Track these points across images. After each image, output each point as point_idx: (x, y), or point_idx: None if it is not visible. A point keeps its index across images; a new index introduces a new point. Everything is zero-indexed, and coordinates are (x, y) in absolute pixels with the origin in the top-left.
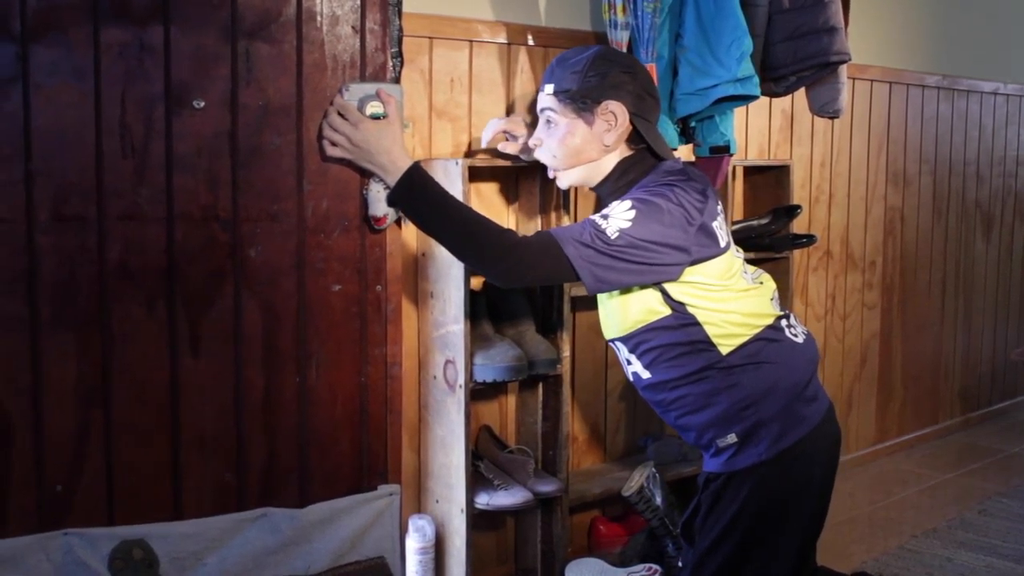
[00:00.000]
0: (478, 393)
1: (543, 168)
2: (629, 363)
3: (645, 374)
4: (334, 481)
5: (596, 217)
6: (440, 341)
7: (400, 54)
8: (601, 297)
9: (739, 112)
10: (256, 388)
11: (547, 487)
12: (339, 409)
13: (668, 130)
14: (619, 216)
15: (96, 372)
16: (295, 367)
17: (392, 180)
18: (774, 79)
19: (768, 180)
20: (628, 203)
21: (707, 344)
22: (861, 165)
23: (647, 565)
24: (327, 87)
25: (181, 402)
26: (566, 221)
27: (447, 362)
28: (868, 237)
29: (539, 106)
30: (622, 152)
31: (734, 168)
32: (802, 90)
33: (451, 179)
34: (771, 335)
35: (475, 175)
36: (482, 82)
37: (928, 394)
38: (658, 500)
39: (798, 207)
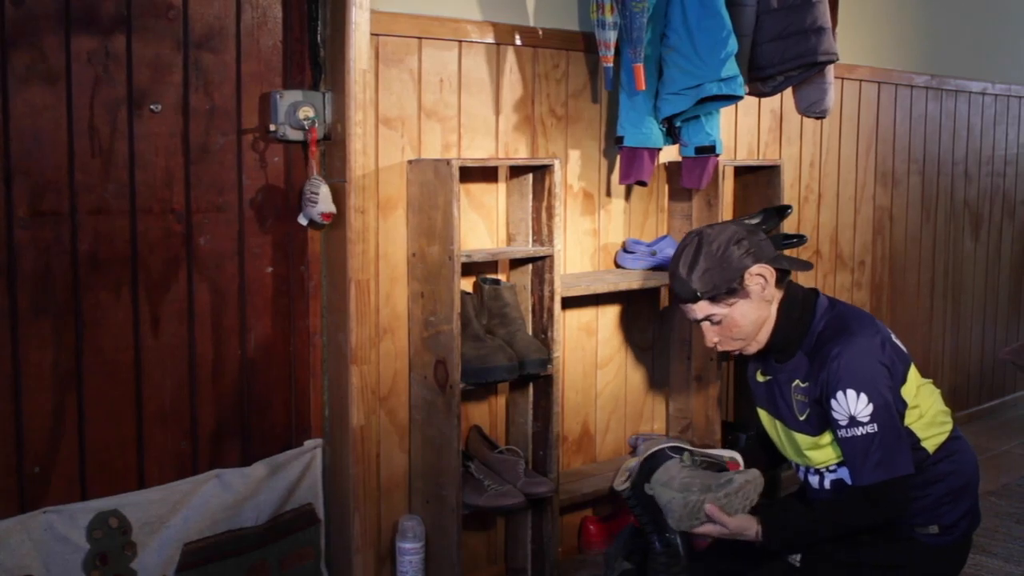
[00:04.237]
0: (468, 393)
1: (533, 168)
2: (834, 472)
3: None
4: (270, 440)
5: (848, 434)
6: (431, 341)
7: (319, 65)
8: (811, 440)
9: (728, 112)
10: (206, 362)
11: (538, 487)
12: (272, 376)
13: (653, 130)
14: (860, 413)
15: (71, 357)
16: (238, 341)
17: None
18: (762, 79)
19: (758, 180)
20: (852, 392)
21: (916, 444)
22: (850, 165)
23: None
24: (259, 92)
25: (144, 379)
26: (558, 220)
27: (438, 362)
28: (857, 237)
29: (698, 317)
30: (776, 296)
31: (724, 168)
32: (790, 90)
33: (442, 179)
34: (958, 433)
35: (465, 175)
36: (471, 82)
37: None
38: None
39: (788, 207)
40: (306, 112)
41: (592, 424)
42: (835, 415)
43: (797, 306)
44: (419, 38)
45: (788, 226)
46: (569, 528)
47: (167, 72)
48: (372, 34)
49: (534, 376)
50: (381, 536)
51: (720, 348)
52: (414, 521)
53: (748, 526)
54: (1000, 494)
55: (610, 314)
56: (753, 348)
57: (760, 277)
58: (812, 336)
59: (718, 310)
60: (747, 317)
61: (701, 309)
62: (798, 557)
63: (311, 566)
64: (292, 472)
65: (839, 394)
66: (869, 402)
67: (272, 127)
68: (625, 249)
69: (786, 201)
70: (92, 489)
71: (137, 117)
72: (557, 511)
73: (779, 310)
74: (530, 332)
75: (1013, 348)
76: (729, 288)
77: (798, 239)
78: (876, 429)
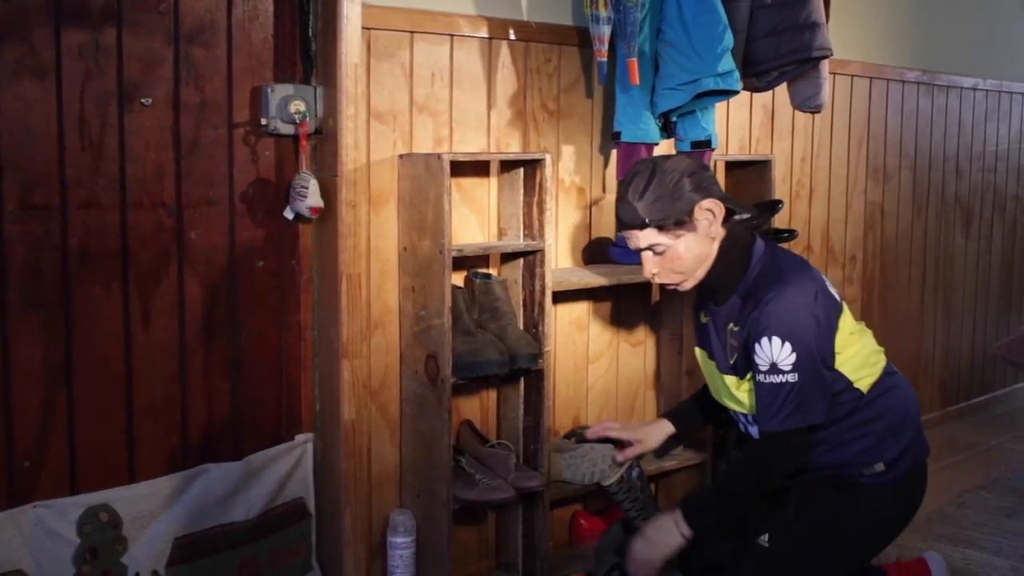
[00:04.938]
0: (459, 388)
1: (525, 161)
2: None
3: None
4: (261, 434)
5: (767, 380)
6: (422, 336)
7: (311, 58)
8: (738, 382)
9: (720, 107)
10: (197, 357)
11: (529, 482)
12: (263, 370)
13: (651, 125)
14: (783, 361)
15: (60, 352)
16: (229, 335)
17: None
18: (756, 74)
19: (749, 175)
20: (778, 340)
21: (849, 386)
22: (842, 160)
23: None
24: (251, 86)
25: (135, 375)
26: (549, 214)
27: (429, 357)
28: (848, 232)
29: (641, 245)
30: (719, 235)
31: (715, 163)
32: (783, 85)
33: (433, 174)
34: (891, 369)
35: (457, 170)
36: (463, 77)
37: None
38: (638, 491)
39: (780, 202)
40: (297, 106)
41: (583, 419)
42: (757, 359)
43: (737, 248)
44: (411, 32)
45: (779, 221)
46: (560, 522)
47: (158, 66)
48: (364, 28)
49: (525, 371)
50: (372, 530)
51: (658, 280)
52: (405, 515)
53: (664, 524)
54: (990, 488)
55: (601, 309)
56: (690, 284)
57: (709, 212)
58: (748, 281)
59: (663, 240)
60: (691, 251)
61: (646, 237)
62: (766, 537)
63: (302, 560)
64: (283, 467)
65: (764, 340)
66: (792, 351)
67: (263, 121)
68: (616, 244)
69: (777, 196)
70: (82, 483)
71: (128, 111)
72: (548, 505)
73: (719, 250)
74: (521, 327)
75: (1005, 343)
76: (678, 219)
77: (789, 234)
78: (796, 379)
